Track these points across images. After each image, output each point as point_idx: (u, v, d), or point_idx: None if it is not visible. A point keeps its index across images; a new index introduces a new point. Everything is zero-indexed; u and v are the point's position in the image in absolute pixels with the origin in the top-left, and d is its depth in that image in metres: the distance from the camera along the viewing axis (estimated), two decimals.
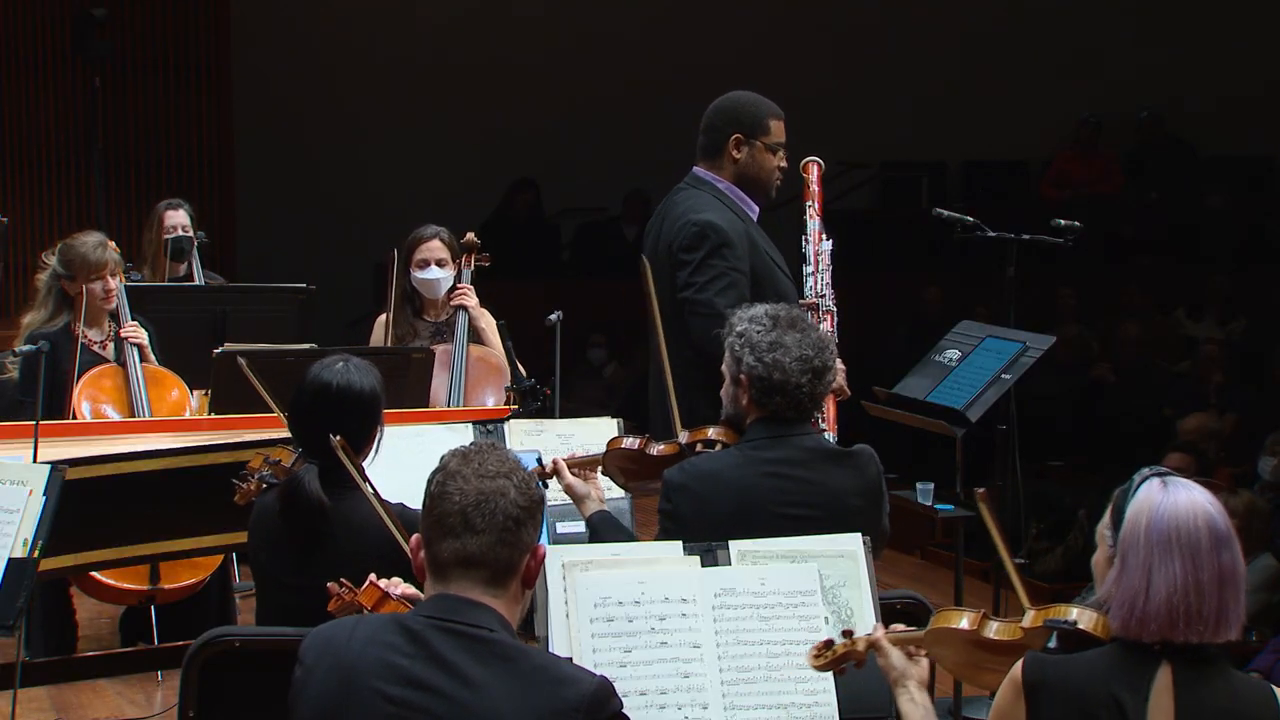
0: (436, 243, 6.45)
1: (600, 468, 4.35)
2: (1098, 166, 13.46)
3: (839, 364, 4.95)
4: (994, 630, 3.18)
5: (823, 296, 5.15)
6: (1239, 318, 11.95)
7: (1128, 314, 11.74)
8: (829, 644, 3.32)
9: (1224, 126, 13.84)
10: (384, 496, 4.19)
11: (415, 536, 2.99)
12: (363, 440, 4.17)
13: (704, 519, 3.93)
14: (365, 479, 3.97)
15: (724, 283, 4.90)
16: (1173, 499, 2.94)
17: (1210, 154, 13.76)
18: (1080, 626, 3.07)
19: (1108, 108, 13.53)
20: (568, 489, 4.29)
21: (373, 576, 3.58)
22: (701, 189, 5.12)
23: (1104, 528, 3.06)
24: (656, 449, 4.27)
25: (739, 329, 4.10)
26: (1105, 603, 2.99)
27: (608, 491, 4.44)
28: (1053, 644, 3.09)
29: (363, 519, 4.01)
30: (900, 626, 3.36)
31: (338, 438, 3.98)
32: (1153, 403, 10.08)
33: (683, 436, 4.27)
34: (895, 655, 3.27)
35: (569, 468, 4.30)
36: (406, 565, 3.63)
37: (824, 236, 5.22)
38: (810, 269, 5.18)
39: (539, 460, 4.31)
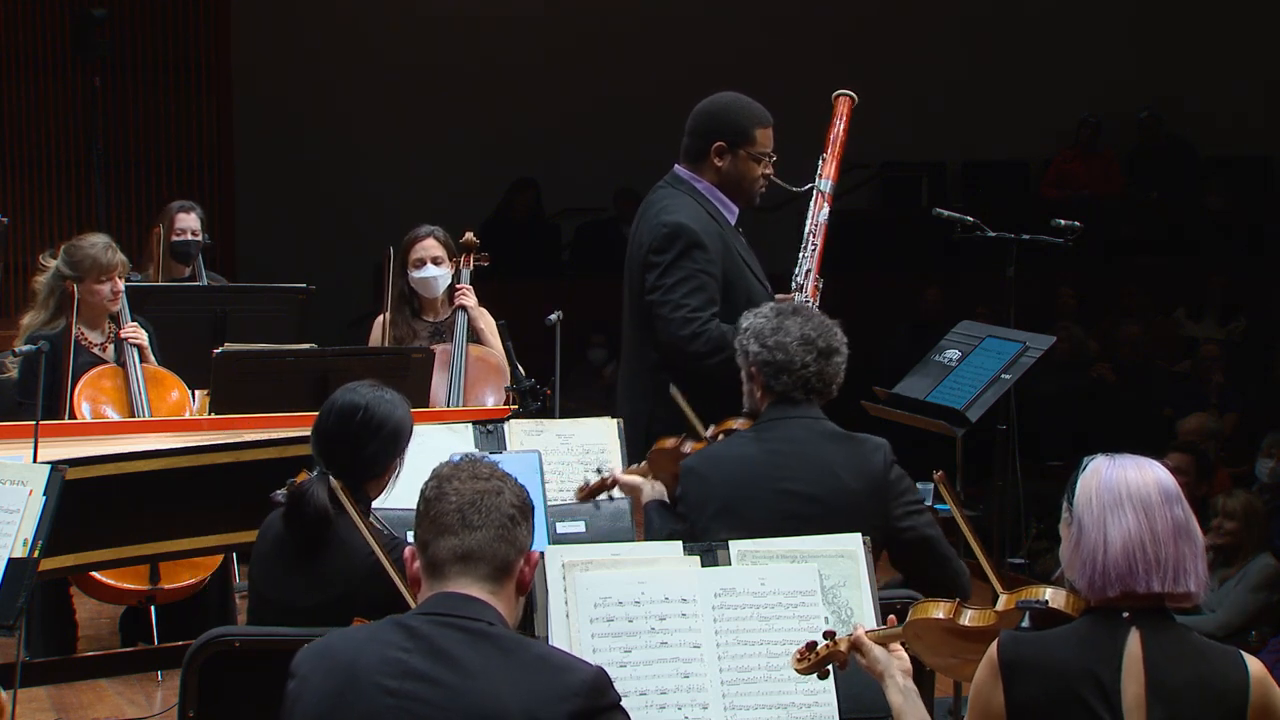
0: (431, 241, 6.44)
1: (650, 475, 4.43)
2: (1098, 166, 13.44)
3: None
4: (969, 618, 3.20)
5: (809, 274, 5.09)
6: (1239, 318, 11.94)
7: (1128, 314, 11.73)
8: (811, 646, 3.33)
9: (1224, 126, 13.83)
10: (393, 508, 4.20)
11: (409, 548, 3.00)
12: (381, 469, 4.10)
13: (707, 498, 4.01)
14: (364, 518, 3.95)
15: (693, 284, 4.84)
16: (1120, 465, 3.05)
17: (1210, 154, 13.75)
18: (1051, 605, 3.10)
19: (1108, 108, 13.52)
20: (628, 488, 4.41)
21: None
22: (680, 189, 5.04)
23: (1064, 523, 3.10)
24: (689, 445, 4.34)
25: (744, 324, 4.20)
26: (1069, 574, 3.04)
27: (605, 499, 4.57)
28: (1025, 624, 3.11)
29: (360, 540, 3.97)
30: (892, 619, 3.37)
31: (338, 481, 3.96)
32: (1153, 403, 10.07)
33: (710, 430, 4.34)
34: (877, 651, 3.29)
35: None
36: (391, 597, 3.66)
37: (827, 202, 5.14)
38: (806, 248, 5.11)
39: (599, 470, 4.50)
